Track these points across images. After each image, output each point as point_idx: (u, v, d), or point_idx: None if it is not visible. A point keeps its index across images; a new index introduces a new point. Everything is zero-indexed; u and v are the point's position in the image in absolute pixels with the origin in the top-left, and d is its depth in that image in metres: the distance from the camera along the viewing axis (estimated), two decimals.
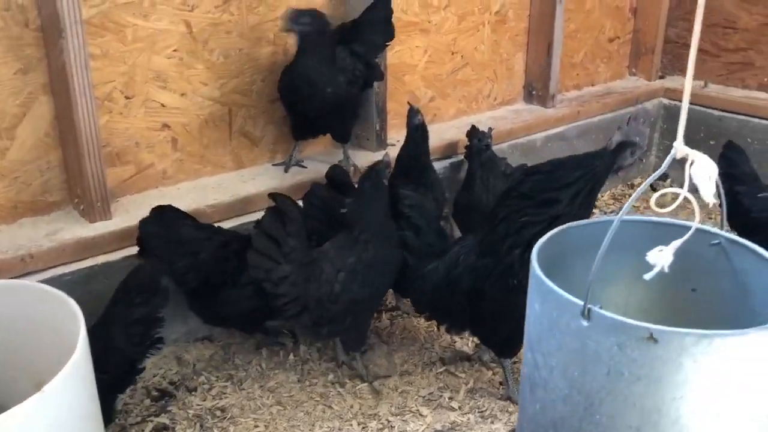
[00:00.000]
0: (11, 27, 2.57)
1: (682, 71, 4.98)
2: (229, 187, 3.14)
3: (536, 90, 4.35)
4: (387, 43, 3.32)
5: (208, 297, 2.80)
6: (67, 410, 1.66)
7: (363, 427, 2.63)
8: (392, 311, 3.32)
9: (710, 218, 4.09)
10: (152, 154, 3.03)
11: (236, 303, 2.78)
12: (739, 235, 3.35)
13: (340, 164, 3.28)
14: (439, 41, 3.87)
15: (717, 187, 1.65)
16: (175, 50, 2.96)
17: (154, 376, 2.83)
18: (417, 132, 3.37)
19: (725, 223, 1.97)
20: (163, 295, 2.48)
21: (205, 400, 2.73)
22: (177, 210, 2.78)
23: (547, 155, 4.15)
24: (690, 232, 1.67)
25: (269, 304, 2.60)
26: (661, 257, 1.64)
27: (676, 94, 4.81)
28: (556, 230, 1.95)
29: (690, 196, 1.63)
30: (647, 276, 1.66)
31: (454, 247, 2.77)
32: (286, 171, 3.29)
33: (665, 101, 4.85)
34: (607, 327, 1.59)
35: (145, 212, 2.85)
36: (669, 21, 4.91)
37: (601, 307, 1.62)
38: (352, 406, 2.73)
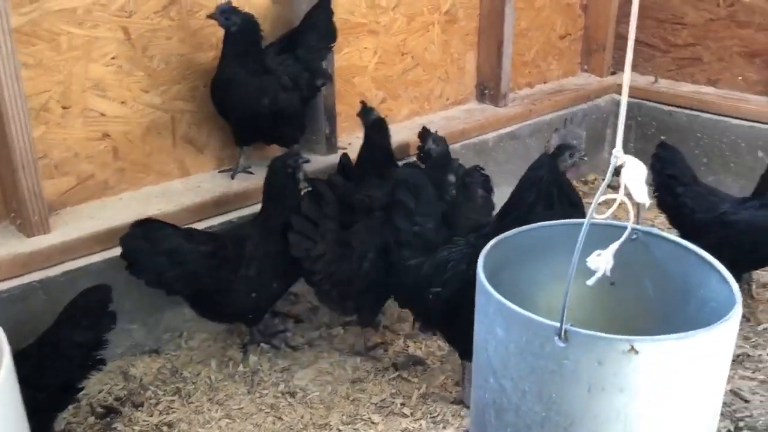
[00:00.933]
0: None
1: (635, 67, 5.05)
2: (173, 196, 3.08)
3: (488, 89, 4.35)
4: (330, 47, 3.28)
5: (205, 301, 2.86)
6: None
7: None
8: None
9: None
10: (92, 165, 2.95)
11: (233, 304, 2.87)
12: (684, 237, 3.39)
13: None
14: (389, 42, 3.84)
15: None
16: (113, 58, 2.89)
17: (99, 392, 2.77)
18: (373, 130, 3.34)
19: (640, 217, 1.97)
20: (110, 319, 2.44)
21: (152, 416, 2.67)
22: (157, 221, 2.73)
23: (499, 155, 4.18)
24: (626, 234, 1.66)
25: (307, 280, 2.86)
26: (602, 261, 1.63)
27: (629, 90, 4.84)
28: (491, 244, 1.92)
29: (626, 200, 1.63)
30: (590, 282, 1.65)
31: (443, 250, 2.69)
32: (232, 178, 3.24)
33: (617, 97, 4.89)
34: (585, 345, 1.56)
35: (86, 224, 2.81)
36: (620, 17, 4.94)
37: (572, 325, 1.59)
38: (302, 417, 2.70)
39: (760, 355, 3.02)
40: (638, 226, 1.91)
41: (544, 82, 4.85)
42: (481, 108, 4.33)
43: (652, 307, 1.97)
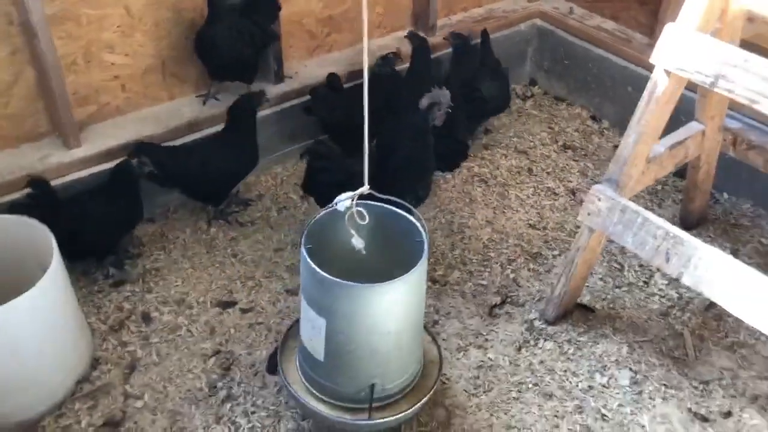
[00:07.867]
0: (2, 24, 3.84)
1: None
2: (167, 116, 4.51)
3: (422, 18, 5.43)
4: (277, 14, 4.51)
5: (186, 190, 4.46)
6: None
7: (242, 284, 4.24)
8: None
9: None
10: (107, 96, 4.37)
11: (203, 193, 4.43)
12: None
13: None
14: None
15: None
16: (118, 26, 4.20)
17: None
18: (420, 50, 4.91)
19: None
20: None
21: (146, 264, 4.33)
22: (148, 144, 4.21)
23: None
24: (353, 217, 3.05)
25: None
26: (358, 240, 3.05)
27: (547, 18, 5.87)
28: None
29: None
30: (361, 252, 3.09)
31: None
32: (204, 104, 4.63)
33: (538, 23, 5.91)
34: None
35: (103, 141, 4.29)
36: None
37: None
38: (239, 271, 4.32)
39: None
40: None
41: (479, 6, 5.88)
42: None
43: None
